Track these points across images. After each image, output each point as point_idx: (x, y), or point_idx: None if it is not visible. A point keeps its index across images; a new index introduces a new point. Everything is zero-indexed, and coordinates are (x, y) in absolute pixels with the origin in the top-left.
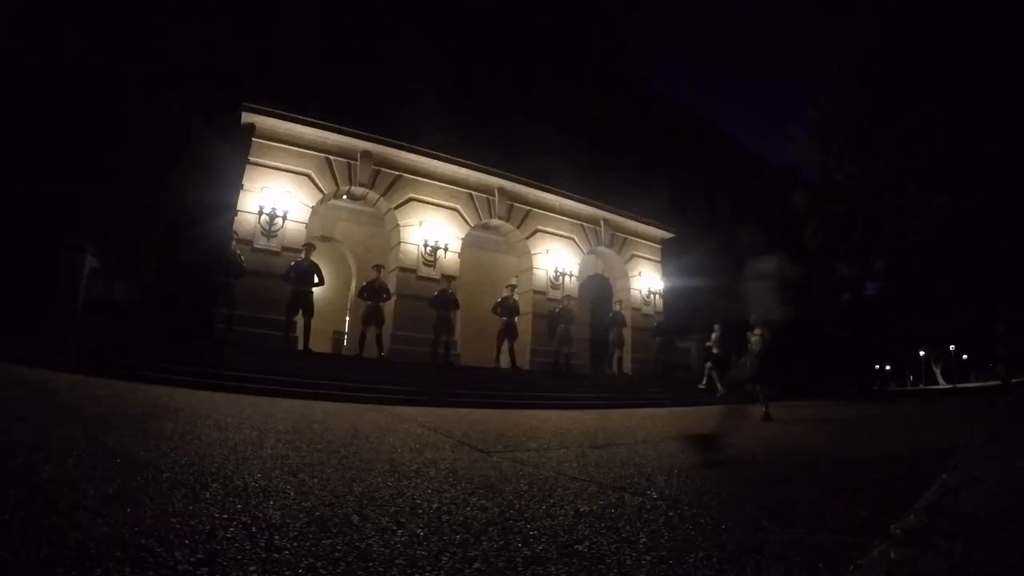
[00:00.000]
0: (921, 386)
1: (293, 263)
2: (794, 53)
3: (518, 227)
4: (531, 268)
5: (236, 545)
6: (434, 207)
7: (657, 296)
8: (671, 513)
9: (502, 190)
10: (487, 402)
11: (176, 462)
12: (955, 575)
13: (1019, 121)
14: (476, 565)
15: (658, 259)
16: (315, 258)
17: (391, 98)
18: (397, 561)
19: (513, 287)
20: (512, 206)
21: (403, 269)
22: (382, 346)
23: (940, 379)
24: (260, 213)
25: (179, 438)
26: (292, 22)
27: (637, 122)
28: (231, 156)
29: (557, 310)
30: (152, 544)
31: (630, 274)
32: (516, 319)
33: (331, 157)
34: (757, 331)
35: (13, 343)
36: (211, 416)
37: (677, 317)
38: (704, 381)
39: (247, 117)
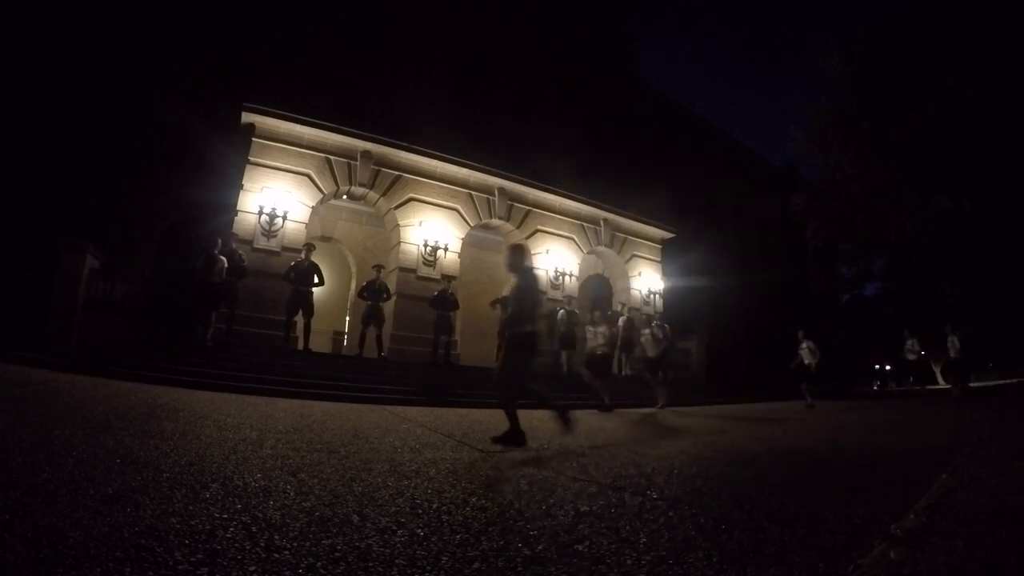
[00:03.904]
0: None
1: (293, 263)
2: (794, 53)
3: (518, 227)
4: None
5: (236, 545)
6: (434, 207)
7: (657, 296)
8: (671, 513)
9: (502, 190)
10: (487, 402)
11: (176, 462)
12: (955, 575)
13: (1019, 121)
14: (476, 565)
15: (658, 259)
16: (315, 258)
17: (391, 98)
18: (397, 561)
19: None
20: (512, 206)
21: (403, 269)
22: (382, 346)
23: (940, 379)
24: (260, 213)
25: (179, 438)
26: (292, 22)
27: (637, 122)
28: (231, 156)
29: (561, 312)
30: (152, 544)
31: (630, 274)
32: None
33: (331, 157)
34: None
35: (13, 343)
36: (211, 416)
37: (677, 317)
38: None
39: (247, 117)
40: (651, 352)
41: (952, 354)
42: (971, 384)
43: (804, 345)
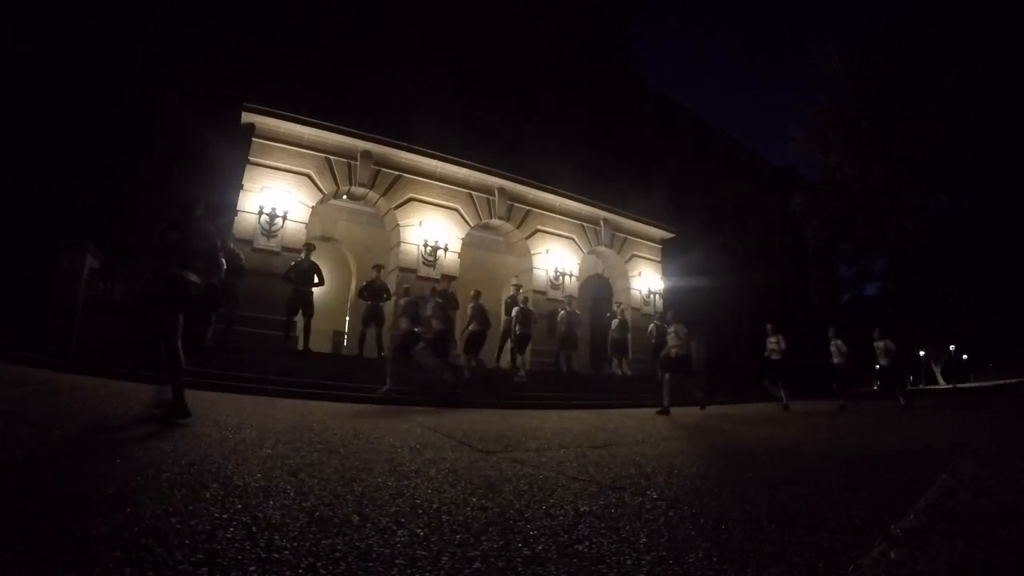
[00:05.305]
0: (921, 386)
1: (293, 263)
2: (794, 53)
3: (518, 227)
4: (531, 268)
5: (236, 545)
6: (434, 207)
7: (657, 296)
8: (671, 513)
9: (502, 190)
10: (487, 402)
11: (176, 462)
12: (955, 575)
13: (1019, 121)
14: (476, 565)
15: (658, 259)
16: (315, 258)
17: (391, 98)
18: (397, 561)
19: (518, 287)
20: (512, 206)
21: (403, 269)
22: (382, 346)
23: (940, 379)
24: (260, 213)
25: (179, 438)
26: (292, 22)
27: (637, 122)
28: (231, 156)
29: (561, 312)
30: (152, 544)
31: (630, 274)
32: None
33: (331, 157)
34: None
35: (13, 343)
36: (211, 416)
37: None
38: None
39: (247, 117)
40: (431, 332)
41: (836, 359)
42: (910, 389)
43: (671, 330)
